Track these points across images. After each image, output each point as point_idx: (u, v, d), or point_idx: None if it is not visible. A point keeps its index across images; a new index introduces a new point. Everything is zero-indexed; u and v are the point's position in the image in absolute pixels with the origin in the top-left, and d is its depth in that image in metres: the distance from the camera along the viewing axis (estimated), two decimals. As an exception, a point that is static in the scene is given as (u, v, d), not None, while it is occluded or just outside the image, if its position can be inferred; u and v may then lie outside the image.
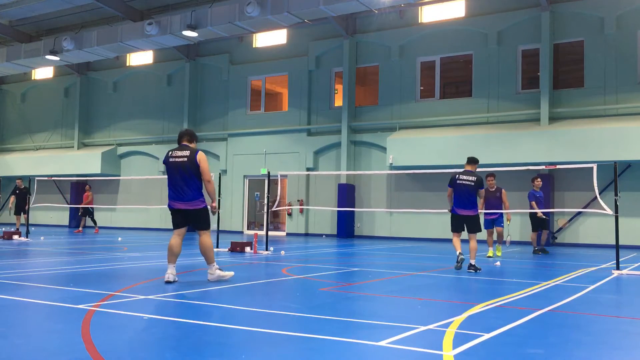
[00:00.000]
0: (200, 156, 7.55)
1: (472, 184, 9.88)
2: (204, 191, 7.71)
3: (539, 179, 14.76)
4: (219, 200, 12.67)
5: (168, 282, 7.40)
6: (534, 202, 14.39)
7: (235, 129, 25.03)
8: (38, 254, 12.61)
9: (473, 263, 9.72)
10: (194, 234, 12.43)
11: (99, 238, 19.14)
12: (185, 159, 7.48)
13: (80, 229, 22.93)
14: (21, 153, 31.08)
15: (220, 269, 7.68)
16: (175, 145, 7.99)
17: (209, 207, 7.75)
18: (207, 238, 7.65)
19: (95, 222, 22.91)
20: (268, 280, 8.44)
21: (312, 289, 7.50)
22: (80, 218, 23.28)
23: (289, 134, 23.86)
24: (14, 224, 28.57)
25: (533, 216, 14.71)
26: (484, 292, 7.57)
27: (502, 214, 13.47)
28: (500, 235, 13.60)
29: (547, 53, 19.06)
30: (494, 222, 13.42)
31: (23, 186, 19.76)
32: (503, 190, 13.40)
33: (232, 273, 7.88)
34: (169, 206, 7.61)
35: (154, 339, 4.54)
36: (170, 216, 7.73)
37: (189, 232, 9.46)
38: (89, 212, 22.46)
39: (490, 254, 13.10)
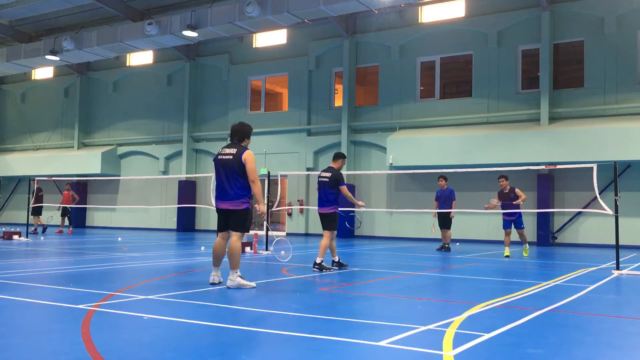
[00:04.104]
0: (247, 155, 7.23)
1: (327, 180, 9.74)
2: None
3: (441, 179, 15.49)
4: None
5: (212, 284, 7.37)
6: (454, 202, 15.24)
7: (235, 129, 24.99)
8: (38, 254, 12.61)
9: (319, 261, 9.45)
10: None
11: (99, 238, 19.14)
12: (231, 157, 7.24)
13: (61, 229, 22.43)
14: (21, 153, 31.07)
15: (242, 277, 7.23)
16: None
17: (255, 208, 7.42)
18: (238, 241, 7.24)
19: (70, 223, 22.53)
20: (268, 280, 8.44)
21: (312, 289, 7.50)
22: (61, 218, 22.73)
23: (289, 134, 23.86)
24: (14, 224, 28.60)
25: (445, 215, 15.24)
26: (484, 292, 7.57)
27: (520, 214, 13.65)
28: (523, 236, 13.87)
29: (547, 53, 19.05)
30: (513, 223, 13.61)
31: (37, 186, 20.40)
32: (516, 189, 13.61)
33: (254, 284, 7.30)
34: (215, 205, 7.42)
35: (154, 339, 4.54)
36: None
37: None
38: (67, 212, 22.16)
39: (507, 253, 13.23)
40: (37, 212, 20.72)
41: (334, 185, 9.67)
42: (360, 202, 10.18)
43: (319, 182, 9.84)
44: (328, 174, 9.76)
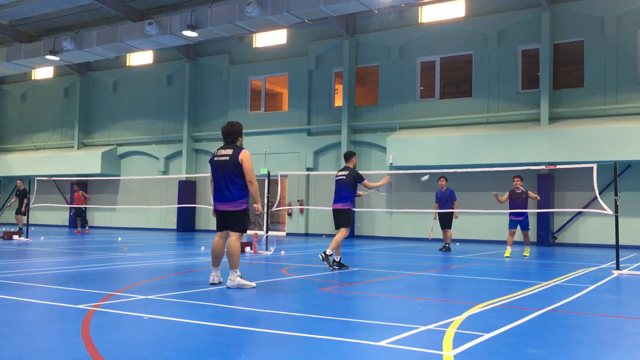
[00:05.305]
0: (243, 155, 7.14)
1: (344, 177, 9.99)
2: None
3: (442, 179, 15.66)
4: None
5: (212, 284, 7.36)
6: (456, 202, 15.45)
7: (235, 129, 24.98)
8: (38, 254, 12.61)
9: (328, 253, 9.58)
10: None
11: (99, 238, 19.14)
12: (228, 158, 7.16)
13: (79, 229, 22.92)
14: (21, 153, 31.08)
15: (242, 277, 7.19)
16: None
17: (252, 208, 7.35)
18: (237, 241, 7.21)
19: (86, 222, 22.91)
20: (268, 280, 8.43)
21: (312, 289, 7.50)
22: (76, 219, 23.27)
23: (289, 134, 23.86)
24: (14, 224, 28.59)
25: (447, 215, 15.40)
26: (484, 292, 7.57)
27: (527, 216, 13.75)
28: (527, 237, 13.99)
29: (547, 53, 19.05)
30: (520, 224, 13.65)
31: (22, 187, 20.27)
32: (529, 192, 13.78)
33: (254, 284, 7.27)
34: (213, 207, 7.35)
35: (154, 339, 4.54)
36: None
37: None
38: (82, 212, 22.52)
39: (507, 253, 13.30)
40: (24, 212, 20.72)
41: (352, 184, 9.96)
42: (384, 179, 10.49)
43: (336, 181, 10.12)
44: (346, 172, 10.05)
